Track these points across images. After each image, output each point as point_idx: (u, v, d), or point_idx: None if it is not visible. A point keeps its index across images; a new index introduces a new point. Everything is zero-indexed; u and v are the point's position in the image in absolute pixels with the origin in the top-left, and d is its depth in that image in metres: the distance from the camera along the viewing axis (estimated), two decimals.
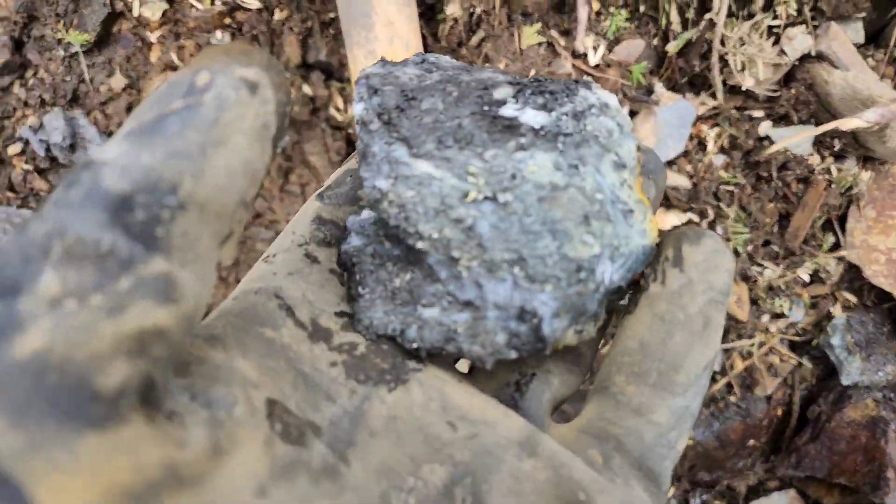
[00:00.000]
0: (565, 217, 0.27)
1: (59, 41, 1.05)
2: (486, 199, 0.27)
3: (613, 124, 0.29)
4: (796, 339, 1.05)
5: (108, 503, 0.15)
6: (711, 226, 0.98)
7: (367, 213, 0.30)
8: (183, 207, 0.18)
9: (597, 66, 0.92)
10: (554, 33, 0.89)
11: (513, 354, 0.27)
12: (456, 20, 0.85)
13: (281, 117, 0.21)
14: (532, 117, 0.28)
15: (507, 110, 0.29)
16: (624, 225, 0.28)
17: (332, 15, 0.93)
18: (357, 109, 0.30)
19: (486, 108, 0.29)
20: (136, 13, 1.02)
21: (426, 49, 0.85)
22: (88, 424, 0.14)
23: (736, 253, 1.00)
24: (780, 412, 1.13)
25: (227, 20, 0.96)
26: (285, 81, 0.21)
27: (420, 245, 0.27)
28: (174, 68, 1.01)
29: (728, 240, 0.99)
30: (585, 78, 0.31)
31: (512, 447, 0.23)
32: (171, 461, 0.16)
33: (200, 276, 0.18)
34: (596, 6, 0.91)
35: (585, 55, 0.92)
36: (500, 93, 0.29)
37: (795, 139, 0.92)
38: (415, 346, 0.28)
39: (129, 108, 1.04)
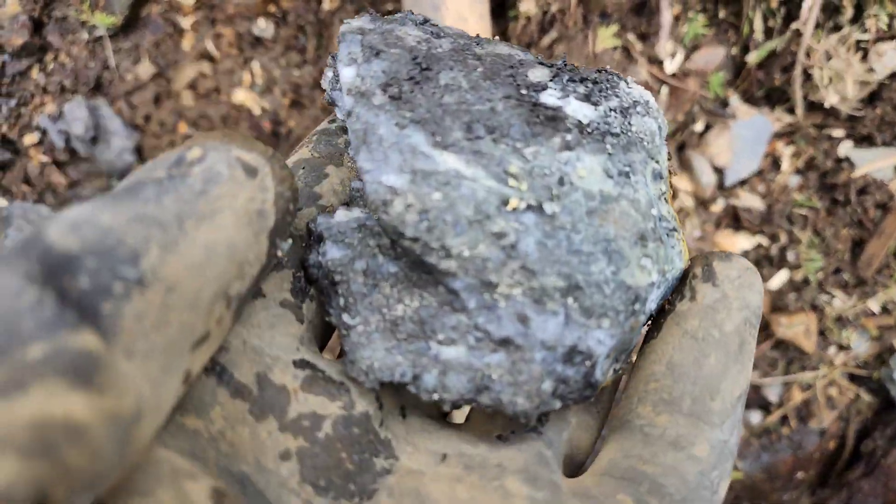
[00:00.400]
0: (619, 235, 0.23)
1: (83, 23, 0.97)
2: (528, 208, 0.22)
3: (656, 126, 0.25)
4: (857, 371, 1.00)
5: None
6: (783, 251, 0.92)
7: (344, 214, 0.23)
8: (142, 283, 0.14)
9: (673, 75, 0.85)
10: (631, 37, 0.82)
11: (557, 405, 0.22)
12: (529, 18, 0.77)
13: (282, 212, 0.18)
14: (578, 109, 0.24)
15: (549, 97, 0.24)
16: (667, 246, 0.24)
17: (389, 6, 0.85)
18: (346, 75, 0.22)
19: (522, 91, 0.23)
20: None
21: None
22: None
23: (806, 281, 0.94)
24: (832, 445, 1.09)
25: (272, 7, 0.89)
26: (290, 178, 0.19)
27: (445, 265, 0.21)
28: (209, 58, 0.94)
29: (798, 267, 0.93)
30: (609, 70, 0.27)
31: None
32: None
33: (153, 379, 0.14)
34: (676, 9, 0.84)
35: (662, 62, 0.85)
36: (535, 74, 0.24)
37: (883, 164, 0.86)
38: (435, 396, 0.21)
39: (157, 99, 0.97)
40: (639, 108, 0.25)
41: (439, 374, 0.21)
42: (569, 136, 0.23)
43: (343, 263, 0.22)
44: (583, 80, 0.25)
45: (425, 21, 0.26)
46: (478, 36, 0.27)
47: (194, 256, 0.15)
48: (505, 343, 0.21)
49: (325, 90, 0.26)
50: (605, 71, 0.26)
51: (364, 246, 0.22)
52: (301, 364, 0.20)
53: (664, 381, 0.22)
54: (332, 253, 0.22)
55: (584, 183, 0.22)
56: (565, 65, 0.26)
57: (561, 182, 0.22)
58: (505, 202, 0.21)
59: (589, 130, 0.23)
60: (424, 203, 0.20)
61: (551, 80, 0.24)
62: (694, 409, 0.21)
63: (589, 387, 0.22)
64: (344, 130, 0.27)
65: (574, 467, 0.23)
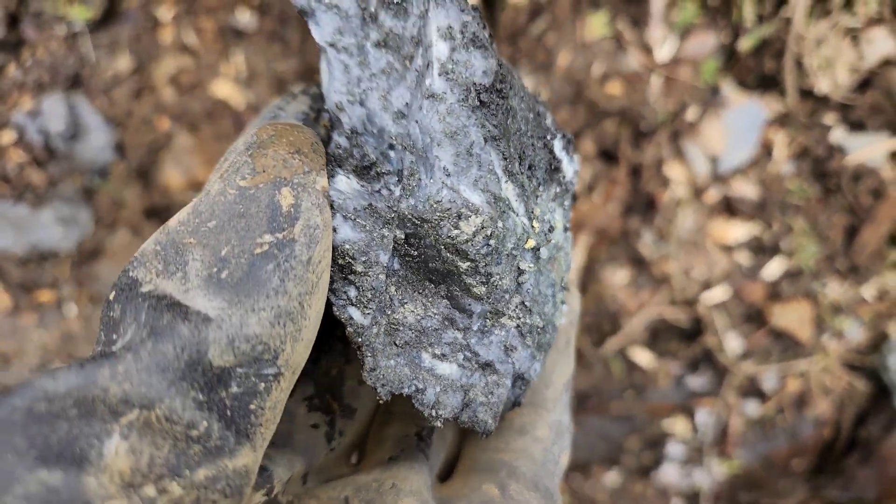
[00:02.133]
0: (556, 282, 0.25)
1: (60, 17, 0.94)
2: (532, 249, 0.23)
3: (571, 168, 0.27)
4: (851, 358, 1.00)
5: None
6: (777, 239, 0.92)
7: (345, 181, 0.20)
8: (278, 377, 0.16)
9: (664, 64, 0.84)
10: (622, 25, 0.81)
11: (522, 389, 0.26)
12: (517, 8, 0.76)
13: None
14: (568, 166, 0.25)
15: (557, 148, 0.25)
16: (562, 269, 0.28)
17: None
18: (440, 51, 0.19)
19: (547, 136, 0.24)
20: None
21: None
22: None
23: (800, 270, 0.93)
24: (828, 433, 1.09)
25: None
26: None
27: (479, 290, 0.21)
28: (190, 51, 0.91)
29: (792, 255, 0.92)
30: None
31: None
32: None
33: (272, 456, 0.18)
34: None
35: (652, 50, 0.84)
36: (548, 119, 0.25)
37: (876, 150, 0.85)
38: (433, 413, 0.22)
39: (138, 94, 0.94)
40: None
41: (440, 391, 0.22)
42: (559, 189, 0.25)
43: (362, 251, 0.20)
44: (563, 136, 0.26)
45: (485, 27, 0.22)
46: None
47: (310, 334, 0.17)
48: (487, 366, 0.23)
49: None
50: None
51: (379, 234, 0.20)
52: None
53: None
54: (344, 232, 0.20)
55: (553, 234, 0.24)
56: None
57: (550, 229, 0.24)
58: (526, 240, 0.22)
59: (567, 188, 0.25)
60: (496, 229, 0.20)
61: (554, 131, 0.25)
62: (533, 399, 0.26)
63: (515, 405, 0.25)
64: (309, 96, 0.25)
65: (445, 472, 0.26)
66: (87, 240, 0.95)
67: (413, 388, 0.21)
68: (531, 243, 0.23)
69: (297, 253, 0.16)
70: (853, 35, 0.87)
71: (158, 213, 0.95)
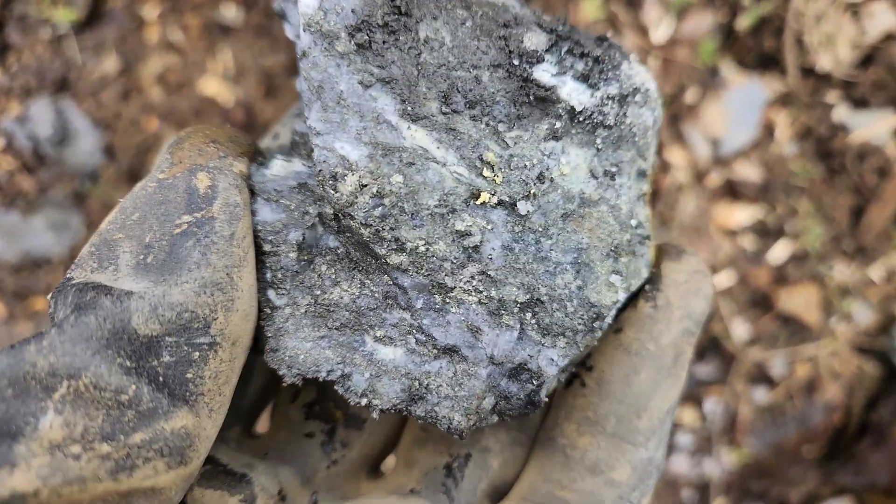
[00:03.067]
0: (592, 245, 0.21)
1: (45, 20, 0.92)
2: (500, 204, 0.20)
3: (652, 119, 0.22)
4: (860, 341, 0.98)
5: None
6: (782, 222, 0.90)
7: (281, 166, 0.20)
8: (214, 346, 0.16)
9: (661, 46, 0.82)
10: (616, 6, 0.79)
11: (494, 419, 0.21)
12: None
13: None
14: (573, 93, 0.21)
15: (543, 73, 0.20)
16: (639, 256, 0.22)
17: None
18: (306, 6, 0.18)
19: (514, 60, 0.20)
20: None
21: None
22: None
23: (806, 252, 0.91)
24: (838, 418, 1.07)
25: None
26: (262, 153, 0.19)
27: (396, 259, 0.19)
28: (177, 49, 0.90)
29: (798, 237, 0.90)
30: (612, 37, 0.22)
31: None
32: None
33: (218, 422, 0.17)
34: None
35: (648, 31, 0.82)
36: (531, 40, 0.21)
37: (881, 127, 0.83)
38: (364, 401, 0.19)
39: (125, 95, 0.93)
40: (637, 98, 0.22)
41: (372, 376, 0.19)
42: (558, 124, 0.20)
43: (275, 230, 0.19)
44: (583, 56, 0.21)
45: None
46: None
47: (246, 305, 0.17)
48: (450, 352, 0.20)
49: None
50: (608, 42, 0.22)
51: (302, 212, 0.19)
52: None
53: (591, 398, 0.21)
54: (263, 214, 0.19)
55: (566, 181, 0.20)
56: (565, 24, 0.22)
57: (541, 178, 0.20)
58: (475, 195, 0.19)
59: (581, 119, 0.21)
60: (382, 186, 0.18)
61: (548, 51, 0.21)
62: (618, 430, 0.21)
63: (531, 405, 0.20)
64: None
65: (499, 495, 0.23)
66: (79, 245, 0.94)
67: (336, 372, 0.19)
68: (485, 198, 0.19)
69: (218, 229, 0.16)
70: (853, 10, 0.85)
71: None
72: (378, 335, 0.19)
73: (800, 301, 0.92)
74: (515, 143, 0.20)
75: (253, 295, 0.18)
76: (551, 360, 0.20)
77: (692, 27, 0.83)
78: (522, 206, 0.20)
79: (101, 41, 0.93)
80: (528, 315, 0.20)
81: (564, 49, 0.21)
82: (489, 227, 0.19)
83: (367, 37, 0.18)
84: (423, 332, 0.19)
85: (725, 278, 0.92)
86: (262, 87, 0.84)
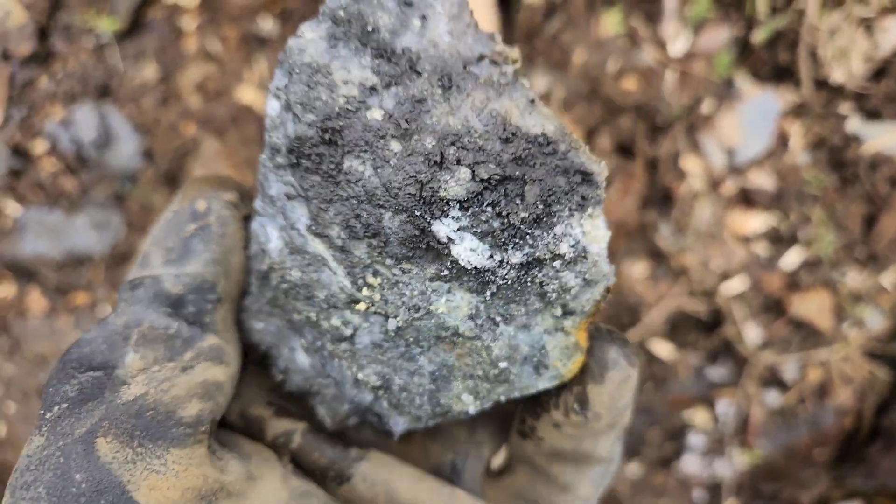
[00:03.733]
0: (456, 368, 0.24)
1: (89, 30, 0.97)
2: (376, 313, 0.23)
3: (577, 281, 0.22)
4: (871, 346, 1.00)
5: (184, 499, 0.20)
6: (795, 230, 0.92)
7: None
8: (220, 301, 0.25)
9: (679, 59, 0.85)
10: (636, 20, 0.82)
11: (355, 421, 0.26)
12: (532, 9, 0.78)
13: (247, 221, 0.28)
14: (466, 252, 0.21)
15: (443, 227, 0.21)
16: (528, 379, 0.24)
17: None
18: (271, 108, 0.22)
19: (417, 211, 0.21)
20: (170, 0, 0.95)
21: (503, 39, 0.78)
22: (175, 444, 0.21)
23: (819, 259, 0.94)
24: (849, 422, 1.08)
25: (276, 6, 0.89)
26: (249, 193, 0.27)
27: (295, 317, 0.25)
28: (215, 59, 0.94)
29: (811, 244, 0.93)
30: (588, 163, 0.20)
31: None
32: (221, 480, 0.22)
33: (237, 351, 0.25)
34: None
35: (666, 46, 0.85)
36: (451, 188, 0.20)
37: (893, 138, 0.86)
38: (280, 379, 0.26)
39: (164, 101, 0.97)
40: (556, 264, 0.21)
41: (286, 369, 0.26)
42: (445, 272, 0.22)
43: (254, 253, 0.27)
44: (500, 215, 0.20)
45: (392, 53, 0.21)
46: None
47: (237, 275, 0.25)
48: (329, 377, 0.25)
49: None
50: (584, 184, 0.21)
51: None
52: (271, 403, 0.28)
53: (554, 455, 0.27)
54: (254, 230, 0.27)
55: (443, 316, 0.22)
56: (510, 177, 0.20)
57: (416, 308, 0.22)
58: (355, 302, 0.23)
59: (472, 273, 0.22)
60: (285, 275, 0.24)
61: (465, 202, 0.20)
62: (576, 458, 0.26)
63: (387, 434, 0.26)
64: None
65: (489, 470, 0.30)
66: (119, 243, 0.98)
67: (271, 348, 0.26)
68: (362, 307, 0.23)
69: (214, 230, 0.25)
70: (867, 24, 0.87)
71: None
72: (302, 342, 0.26)
73: (812, 306, 0.95)
74: (404, 272, 0.22)
75: (241, 268, 0.25)
76: (396, 422, 0.25)
77: (709, 41, 0.86)
78: (392, 324, 0.23)
79: (141, 50, 0.97)
80: (381, 393, 0.25)
81: (487, 202, 0.21)
82: (365, 326, 0.24)
83: (296, 159, 0.22)
84: (319, 353, 0.25)
85: (739, 283, 0.94)
86: None
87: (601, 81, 0.82)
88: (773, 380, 1.01)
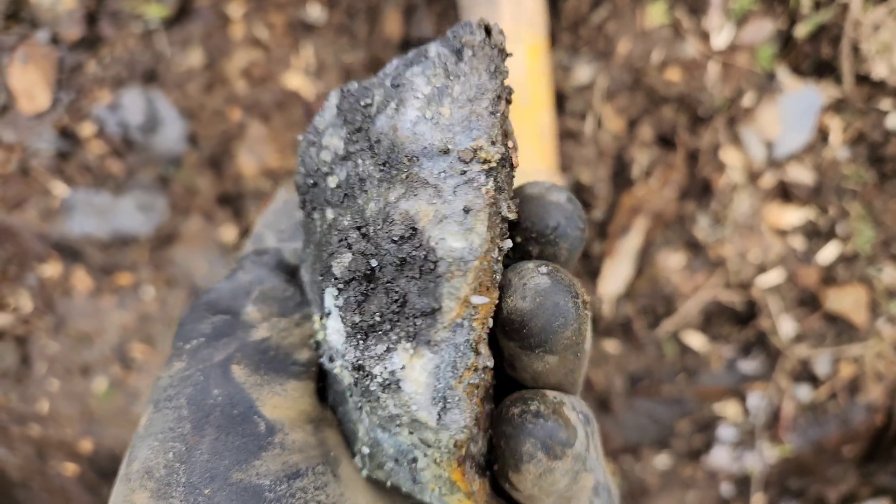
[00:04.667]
0: (380, 415, 0.25)
1: (137, 16, 1.00)
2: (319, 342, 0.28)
3: (399, 411, 0.20)
4: None
5: (299, 419, 0.24)
6: (833, 224, 0.92)
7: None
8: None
9: (722, 51, 0.86)
10: (680, 12, 0.83)
11: None
12: None
13: None
14: (333, 327, 0.23)
15: (327, 296, 0.23)
16: (405, 482, 0.22)
17: None
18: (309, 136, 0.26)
19: (322, 273, 0.22)
20: None
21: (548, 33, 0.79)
22: (292, 377, 0.25)
23: (856, 254, 0.94)
24: (880, 419, 1.08)
25: None
26: None
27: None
28: (261, 45, 0.96)
29: (848, 239, 0.93)
30: (447, 295, 0.19)
31: None
32: (324, 413, 0.26)
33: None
34: None
35: (709, 37, 0.86)
36: (335, 266, 0.21)
37: None
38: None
39: (209, 87, 0.99)
40: (374, 382, 0.20)
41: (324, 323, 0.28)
42: (335, 324, 0.25)
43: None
44: (358, 311, 0.20)
45: (357, 130, 0.22)
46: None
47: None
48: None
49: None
50: (383, 325, 0.20)
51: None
52: None
53: None
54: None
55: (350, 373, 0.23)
56: (387, 269, 0.20)
57: (335, 356, 0.25)
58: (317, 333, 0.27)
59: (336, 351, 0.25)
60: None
61: (339, 286, 0.21)
62: None
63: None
64: None
65: None
66: (163, 225, 1.00)
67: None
68: (319, 335, 0.26)
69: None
70: None
71: (230, 199, 1.00)
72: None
73: (847, 301, 0.95)
74: (326, 321, 0.25)
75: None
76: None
77: (752, 33, 0.87)
78: (331, 363, 0.27)
79: (188, 36, 0.99)
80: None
81: (352, 292, 0.21)
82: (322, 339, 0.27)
83: (304, 190, 0.26)
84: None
85: (775, 276, 0.95)
86: (342, 81, 0.90)
87: (644, 72, 0.82)
88: (806, 374, 1.01)
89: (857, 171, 0.92)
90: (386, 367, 0.19)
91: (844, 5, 0.85)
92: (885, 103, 0.91)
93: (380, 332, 0.20)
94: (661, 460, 1.07)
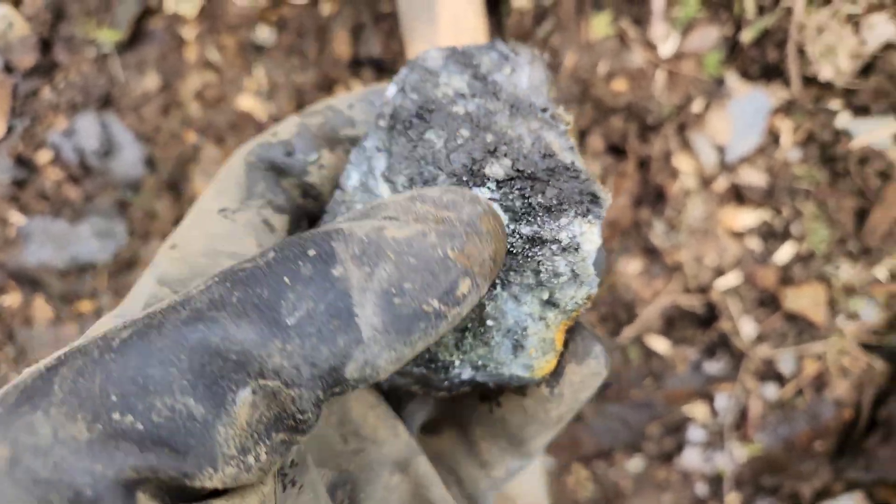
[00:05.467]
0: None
1: (90, 41, 0.99)
2: None
3: (566, 270, 0.26)
4: (867, 338, 1.01)
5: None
6: (787, 225, 0.93)
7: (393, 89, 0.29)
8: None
9: (668, 59, 0.87)
10: (625, 23, 0.84)
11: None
12: (522, 13, 0.79)
13: None
14: None
15: (478, 192, 0.27)
16: (505, 354, 0.27)
17: (386, 9, 0.87)
18: (389, 91, 0.29)
19: (465, 177, 0.27)
20: (171, 10, 0.97)
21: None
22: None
23: (811, 253, 0.95)
24: (848, 414, 1.09)
25: (272, 15, 0.91)
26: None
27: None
28: (214, 67, 0.96)
29: (803, 239, 0.94)
30: (600, 192, 0.27)
31: (388, 465, 0.27)
32: None
33: None
34: None
35: (656, 47, 0.87)
36: (494, 168, 0.26)
37: (882, 133, 0.87)
38: None
39: (165, 110, 0.99)
40: (553, 247, 0.26)
41: None
42: None
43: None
44: (524, 197, 0.26)
45: (483, 78, 0.28)
46: (541, 109, 0.28)
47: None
48: None
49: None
50: (562, 205, 0.26)
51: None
52: None
53: (496, 427, 0.29)
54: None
55: None
56: (539, 177, 0.26)
57: None
58: None
59: None
60: (350, 207, 0.29)
61: (501, 182, 0.26)
62: (506, 447, 0.29)
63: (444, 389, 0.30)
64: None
65: (429, 427, 0.32)
66: (122, 251, 1.00)
67: None
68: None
69: (440, 328, 0.19)
70: (854, 21, 0.89)
71: None
72: None
73: (806, 300, 0.96)
74: None
75: None
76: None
77: (698, 41, 0.88)
78: None
79: (142, 60, 0.99)
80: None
81: (517, 186, 0.26)
82: None
83: (393, 123, 0.28)
84: None
85: (733, 278, 0.95)
86: (294, 102, 0.90)
87: (592, 83, 0.83)
88: (771, 373, 1.02)
89: (809, 171, 0.93)
90: (568, 234, 0.25)
91: (788, 9, 0.86)
92: (833, 103, 0.93)
93: (560, 210, 0.26)
94: (635, 464, 1.08)
